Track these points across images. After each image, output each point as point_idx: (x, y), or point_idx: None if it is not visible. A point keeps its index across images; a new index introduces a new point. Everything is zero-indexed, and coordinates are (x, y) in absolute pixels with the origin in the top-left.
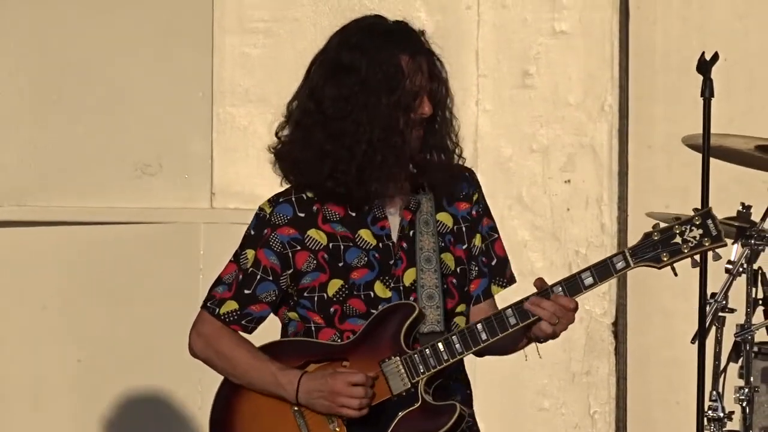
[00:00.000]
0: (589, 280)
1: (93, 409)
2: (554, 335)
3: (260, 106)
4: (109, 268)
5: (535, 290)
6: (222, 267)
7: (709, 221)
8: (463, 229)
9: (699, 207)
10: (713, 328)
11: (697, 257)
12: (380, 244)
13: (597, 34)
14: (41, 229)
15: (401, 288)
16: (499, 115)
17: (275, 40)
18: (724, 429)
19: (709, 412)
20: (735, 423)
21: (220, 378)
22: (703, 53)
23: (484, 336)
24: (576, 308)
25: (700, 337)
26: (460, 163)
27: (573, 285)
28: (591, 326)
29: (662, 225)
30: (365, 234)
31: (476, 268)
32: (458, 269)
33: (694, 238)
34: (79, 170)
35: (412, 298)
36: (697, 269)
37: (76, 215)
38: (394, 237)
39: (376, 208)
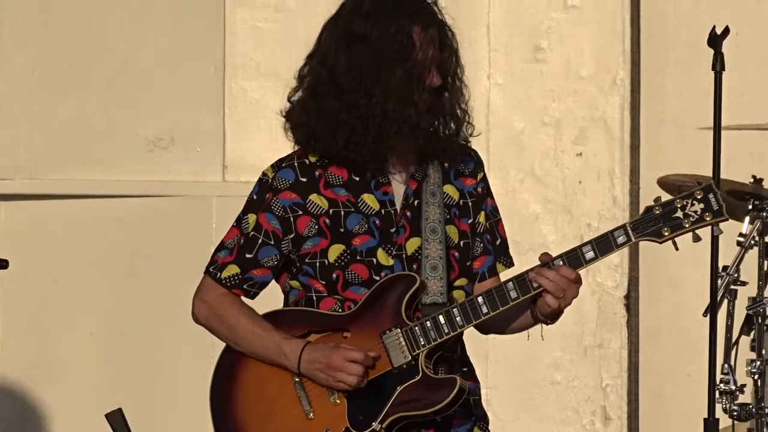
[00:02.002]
0: (590, 254)
1: (104, 383)
2: (559, 310)
3: (272, 80)
4: (122, 241)
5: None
6: None
7: (711, 195)
8: (469, 203)
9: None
10: (725, 301)
11: (699, 232)
12: (382, 210)
13: (608, 8)
14: (53, 203)
15: (404, 256)
16: (511, 89)
17: (287, 14)
18: (735, 402)
19: (721, 385)
20: (747, 396)
21: None
22: (714, 27)
23: (485, 309)
24: (578, 281)
25: (712, 310)
26: (469, 133)
27: (574, 258)
28: (603, 299)
29: (664, 199)
30: (368, 198)
31: (481, 245)
32: (461, 243)
33: (696, 212)
34: (91, 144)
35: (414, 267)
36: (709, 242)
37: (88, 188)
38: (398, 204)
39: (380, 174)
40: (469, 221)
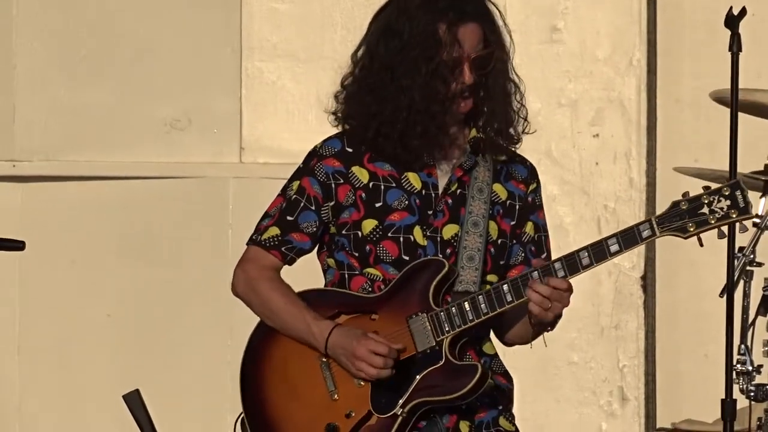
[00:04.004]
0: (614, 247)
1: (122, 364)
2: (546, 318)
3: (288, 61)
4: (138, 222)
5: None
6: (251, 222)
7: (738, 192)
8: (516, 206)
9: (728, 177)
10: (741, 282)
11: (725, 229)
12: (423, 191)
13: None
14: (70, 184)
15: (438, 239)
16: (527, 70)
17: None
18: (752, 382)
19: (738, 365)
20: (764, 376)
21: (248, 331)
22: (731, 8)
23: (509, 297)
24: (570, 290)
25: (729, 290)
26: (523, 130)
27: (599, 251)
28: (620, 280)
29: (691, 195)
30: (412, 177)
31: (522, 255)
32: (499, 240)
33: (722, 209)
34: (107, 125)
35: (448, 252)
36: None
37: (105, 170)
38: (440, 188)
39: (426, 155)
40: (512, 223)
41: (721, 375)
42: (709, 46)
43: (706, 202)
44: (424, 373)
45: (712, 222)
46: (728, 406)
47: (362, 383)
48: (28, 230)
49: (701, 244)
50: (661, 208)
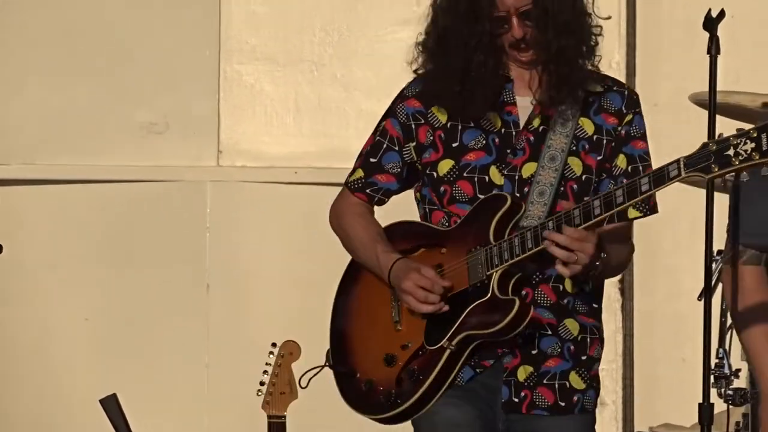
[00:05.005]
0: (645, 186)
1: (99, 368)
2: (573, 272)
3: (267, 64)
4: (117, 225)
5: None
6: (229, 226)
7: (764, 135)
8: (604, 141)
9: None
10: (719, 285)
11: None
12: (503, 130)
13: None
14: (48, 188)
15: (516, 177)
16: None
17: None
18: (730, 386)
19: (716, 369)
20: (742, 380)
21: (226, 335)
22: (710, 10)
23: (543, 244)
24: (588, 239)
25: (707, 294)
26: (594, 64)
27: (632, 190)
28: None
29: (724, 136)
30: (492, 116)
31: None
32: (583, 177)
33: (746, 151)
34: (86, 128)
35: (525, 190)
36: (703, 226)
37: (83, 173)
38: (521, 125)
39: (506, 92)
40: (599, 158)
41: (698, 379)
42: (688, 48)
43: (733, 144)
44: (471, 306)
45: (736, 164)
46: (705, 410)
47: (422, 316)
48: (6, 234)
49: (723, 184)
50: None
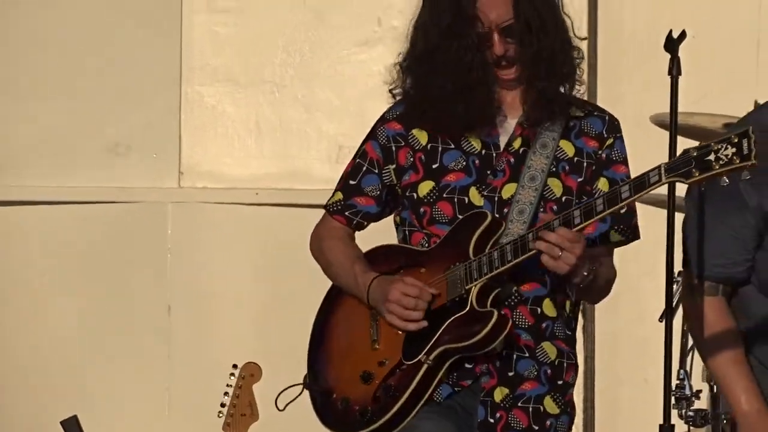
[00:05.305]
0: (626, 194)
1: (61, 389)
2: (559, 270)
3: (229, 85)
4: (78, 247)
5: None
6: (190, 247)
7: (745, 140)
8: (584, 163)
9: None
10: (681, 307)
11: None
12: (483, 151)
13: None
14: (9, 209)
15: (496, 198)
16: None
17: (244, 18)
18: (691, 407)
19: (677, 390)
20: (703, 401)
21: (188, 357)
22: (671, 31)
23: (532, 245)
24: (578, 240)
25: (668, 315)
26: (573, 88)
27: (612, 197)
28: None
29: (704, 143)
30: (472, 138)
31: None
32: (563, 198)
33: (727, 156)
34: (47, 149)
35: (505, 211)
36: (665, 247)
37: (45, 194)
38: (501, 147)
39: (488, 116)
40: (579, 179)
41: (660, 400)
42: (650, 69)
43: (714, 149)
44: (449, 321)
45: (716, 168)
46: (666, 431)
47: (400, 332)
48: None
49: (701, 188)
50: None
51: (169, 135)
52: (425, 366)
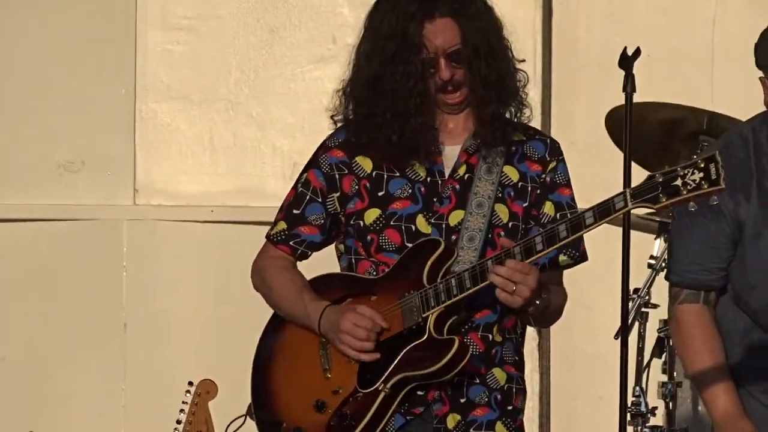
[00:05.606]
0: (590, 220)
1: (16, 407)
2: (513, 304)
3: (183, 103)
4: (33, 264)
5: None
6: (145, 264)
7: (712, 165)
8: (529, 188)
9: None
10: (636, 324)
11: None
12: (428, 179)
13: (520, 30)
14: None
15: (444, 226)
16: None
17: (198, 36)
18: (647, 424)
19: (633, 407)
20: (658, 418)
21: (144, 377)
22: (625, 48)
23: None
24: (530, 272)
25: (623, 332)
26: (519, 116)
27: (576, 224)
28: None
29: (669, 168)
30: (417, 165)
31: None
32: (510, 224)
33: (694, 181)
34: (1, 167)
35: (453, 238)
36: (620, 264)
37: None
38: (446, 174)
39: (431, 143)
40: (524, 204)
41: (615, 417)
42: (605, 86)
43: (680, 174)
44: (407, 348)
45: (684, 193)
46: None
47: (353, 361)
48: None
49: (672, 217)
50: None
51: (124, 152)
52: (382, 394)
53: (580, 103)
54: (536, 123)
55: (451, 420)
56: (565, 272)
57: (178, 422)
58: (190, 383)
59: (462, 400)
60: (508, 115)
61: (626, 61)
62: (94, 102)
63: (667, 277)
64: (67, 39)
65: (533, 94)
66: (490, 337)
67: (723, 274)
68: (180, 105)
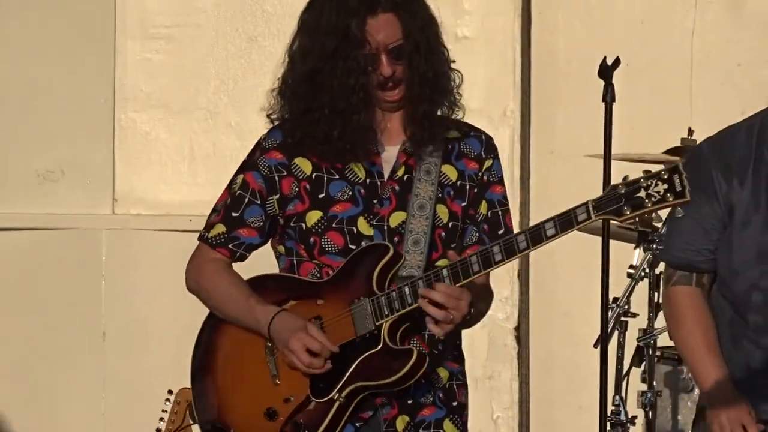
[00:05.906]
0: (551, 231)
1: None
2: (446, 330)
3: (162, 112)
4: (11, 273)
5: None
6: (124, 273)
7: (676, 177)
8: (467, 186)
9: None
10: (616, 333)
11: (661, 212)
12: (368, 180)
13: (499, 40)
14: None
15: (385, 228)
16: None
17: (177, 45)
18: None
19: (612, 416)
20: (638, 427)
21: (122, 384)
22: (605, 58)
23: (448, 282)
24: (461, 297)
25: (603, 341)
26: (454, 114)
27: (536, 235)
28: (493, 331)
29: (630, 178)
30: (356, 167)
31: (477, 235)
32: (450, 224)
33: (659, 192)
34: None
35: (395, 240)
36: (599, 273)
37: None
38: (386, 175)
39: (370, 142)
40: (463, 204)
41: (595, 426)
42: (584, 96)
43: (643, 185)
44: (362, 357)
45: (648, 205)
46: None
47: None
48: None
49: (637, 228)
50: (535, 260)
51: (103, 161)
52: (337, 403)
53: (559, 111)
54: (515, 131)
55: (401, 422)
56: (544, 282)
57: (158, 430)
58: (170, 391)
59: (409, 402)
60: (439, 113)
61: (606, 71)
62: (73, 111)
63: (659, 256)
64: (46, 48)
65: (512, 103)
66: (433, 336)
67: (712, 257)
68: (159, 114)
